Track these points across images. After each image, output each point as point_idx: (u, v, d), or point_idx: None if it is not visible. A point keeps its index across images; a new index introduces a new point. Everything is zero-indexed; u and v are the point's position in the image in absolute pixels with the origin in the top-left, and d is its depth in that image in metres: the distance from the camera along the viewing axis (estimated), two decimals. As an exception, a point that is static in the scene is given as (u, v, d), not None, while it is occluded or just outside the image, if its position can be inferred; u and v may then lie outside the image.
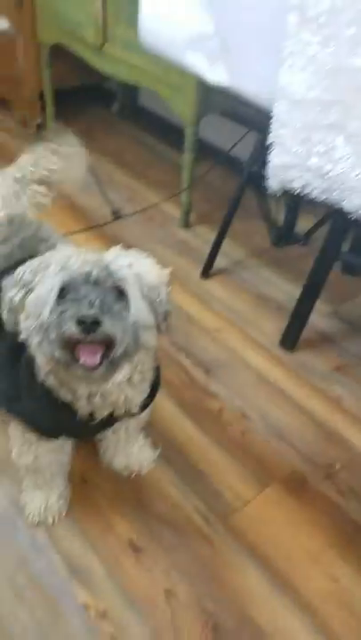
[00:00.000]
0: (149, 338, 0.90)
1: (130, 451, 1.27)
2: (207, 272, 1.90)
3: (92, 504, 1.23)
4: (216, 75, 1.19)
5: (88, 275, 0.83)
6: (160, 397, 1.44)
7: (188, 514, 1.23)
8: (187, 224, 2.11)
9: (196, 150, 1.94)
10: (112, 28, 1.97)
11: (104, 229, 2.03)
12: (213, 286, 1.87)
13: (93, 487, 1.26)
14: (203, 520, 1.22)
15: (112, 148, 2.58)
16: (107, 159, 2.48)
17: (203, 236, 2.06)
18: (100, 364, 0.83)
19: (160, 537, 1.18)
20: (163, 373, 1.51)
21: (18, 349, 0.95)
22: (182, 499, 1.25)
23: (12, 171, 1.32)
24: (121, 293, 0.85)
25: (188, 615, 1.07)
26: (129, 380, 0.95)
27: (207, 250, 1.90)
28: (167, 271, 0.93)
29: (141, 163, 2.49)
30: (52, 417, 0.99)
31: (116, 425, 1.18)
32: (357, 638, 1.05)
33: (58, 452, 1.12)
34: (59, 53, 2.35)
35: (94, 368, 0.83)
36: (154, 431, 1.37)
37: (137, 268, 0.88)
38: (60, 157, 1.34)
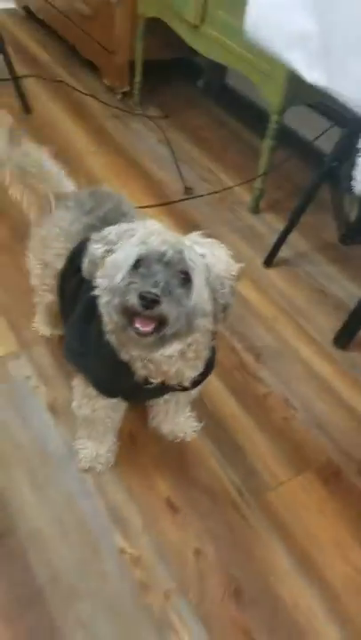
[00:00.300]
0: (204, 324, 0.96)
1: (177, 420, 1.36)
2: (270, 261, 1.94)
3: (138, 461, 1.32)
4: (315, 75, 1.22)
5: (162, 254, 0.89)
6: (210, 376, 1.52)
7: (224, 484, 1.31)
8: (256, 210, 2.14)
9: (278, 138, 1.96)
10: (212, 9, 2.00)
11: (174, 206, 2.09)
12: (275, 275, 1.92)
13: (140, 447, 1.35)
14: (237, 493, 1.30)
15: (193, 124, 2.61)
16: (186, 135, 2.52)
17: (270, 224, 2.10)
18: (152, 333, 0.90)
19: (196, 501, 1.27)
20: (216, 354, 1.59)
21: (93, 308, 1.03)
22: (220, 470, 1.33)
23: None
24: (187, 278, 0.91)
25: (214, 576, 1.16)
26: (182, 354, 1.01)
27: (273, 238, 1.93)
28: (239, 266, 0.98)
29: (220, 143, 2.52)
30: (112, 375, 1.07)
31: (168, 395, 1.27)
32: (369, 625, 1.12)
33: (113, 410, 1.21)
34: (153, 26, 2.38)
35: (145, 334, 0.90)
36: (201, 406, 1.45)
37: (210, 257, 0.93)
38: None
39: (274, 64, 1.80)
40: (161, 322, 0.90)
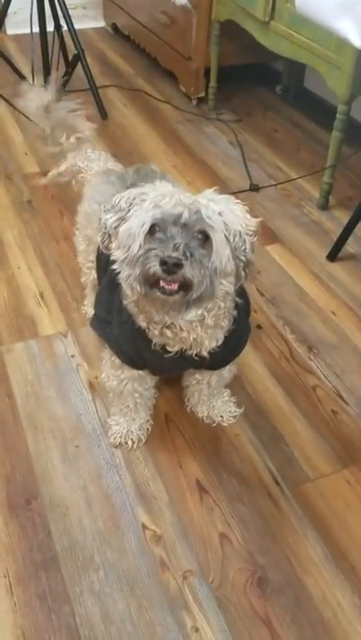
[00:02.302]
0: (226, 285, 0.92)
1: (213, 404, 1.32)
2: (335, 255, 1.86)
3: (171, 441, 1.29)
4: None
5: (178, 216, 0.86)
6: (254, 362, 1.48)
7: (259, 471, 1.24)
8: (325, 206, 2.07)
9: (345, 130, 1.89)
10: (281, 4, 1.98)
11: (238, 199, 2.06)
12: (338, 270, 1.83)
13: (174, 427, 1.32)
14: (272, 481, 1.23)
15: (267, 126, 2.59)
16: (259, 137, 2.50)
17: (338, 220, 2.01)
18: (177, 292, 0.87)
19: (227, 485, 1.21)
20: (263, 342, 1.54)
21: (117, 277, 1.02)
22: (257, 457, 1.27)
23: None
24: (207, 238, 0.88)
25: (238, 562, 1.09)
26: (201, 321, 0.98)
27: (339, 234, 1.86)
28: (256, 221, 0.94)
29: (293, 143, 2.48)
30: (132, 343, 1.06)
31: (199, 375, 1.23)
32: None
33: (140, 384, 1.19)
34: (228, 32, 2.41)
35: (171, 293, 0.87)
36: (242, 392, 1.40)
37: (227, 214, 0.90)
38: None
39: (342, 52, 1.75)
40: (186, 286, 0.87)
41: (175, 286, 0.87)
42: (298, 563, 1.10)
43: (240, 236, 0.91)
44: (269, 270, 1.80)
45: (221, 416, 1.32)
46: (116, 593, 1.04)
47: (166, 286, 0.87)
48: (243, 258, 0.92)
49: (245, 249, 0.92)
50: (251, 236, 0.92)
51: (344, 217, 2.01)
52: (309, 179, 2.18)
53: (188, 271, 0.86)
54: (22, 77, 2.60)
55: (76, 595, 1.04)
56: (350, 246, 1.89)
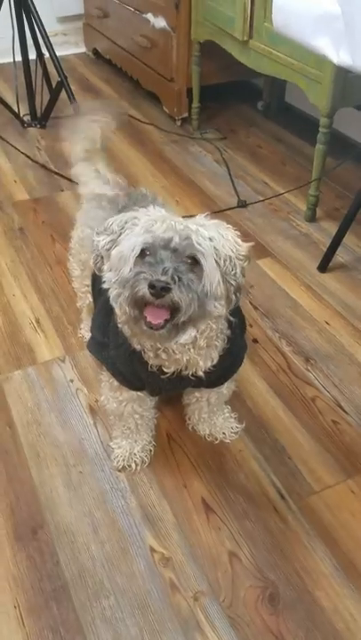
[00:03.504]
0: (217, 308, 0.94)
1: (214, 421, 1.32)
2: (325, 266, 1.88)
3: (174, 461, 1.29)
4: (341, 56, 1.19)
5: (169, 241, 0.88)
6: (253, 377, 1.49)
7: (264, 487, 1.24)
8: (312, 218, 2.09)
9: (328, 143, 1.92)
10: (258, 22, 2.03)
11: (227, 217, 2.08)
12: (329, 280, 1.85)
13: (177, 446, 1.32)
14: (278, 495, 1.23)
15: (251, 143, 2.63)
16: (243, 153, 2.54)
17: (327, 231, 2.03)
18: (163, 326, 0.89)
19: (233, 502, 1.21)
20: (260, 356, 1.54)
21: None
22: (261, 472, 1.27)
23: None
24: (196, 262, 0.89)
25: (248, 579, 1.09)
26: (194, 343, 0.98)
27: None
28: (247, 245, 0.95)
29: (277, 158, 2.51)
30: (129, 365, 1.06)
31: (198, 393, 1.24)
32: None
33: (140, 405, 1.19)
34: (208, 52, 2.45)
35: (157, 328, 0.89)
36: (243, 407, 1.40)
37: (217, 239, 0.91)
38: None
39: (321, 67, 1.78)
40: (174, 309, 0.89)
41: (162, 320, 0.88)
42: (308, 576, 1.10)
43: (230, 260, 0.92)
44: (262, 284, 1.82)
45: (223, 433, 1.32)
46: (128, 618, 1.03)
47: (153, 321, 0.88)
48: (233, 282, 0.93)
49: (236, 273, 0.93)
50: (241, 260, 0.93)
51: (332, 228, 2.03)
52: (296, 192, 2.21)
53: (177, 295, 0.87)
54: (6, 106, 2.63)
55: (88, 623, 1.03)
56: (340, 256, 1.91)
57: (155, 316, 0.89)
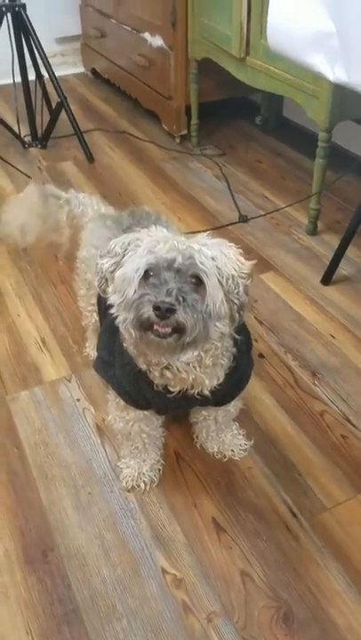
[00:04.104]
0: (221, 327, 0.94)
1: (222, 438, 1.31)
2: (328, 279, 1.88)
3: (183, 480, 1.28)
4: (337, 73, 1.21)
5: (172, 261, 0.88)
6: (260, 392, 1.48)
7: (274, 504, 1.23)
8: (314, 231, 2.10)
9: (328, 156, 1.93)
10: (255, 39, 2.05)
11: (228, 232, 2.09)
12: (333, 293, 1.85)
13: (186, 465, 1.31)
14: (289, 513, 1.22)
15: (250, 158, 2.65)
16: (243, 169, 2.55)
17: (329, 244, 2.04)
18: (171, 334, 0.88)
19: (244, 521, 1.20)
20: (267, 371, 1.54)
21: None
22: (271, 489, 1.26)
23: None
24: (200, 282, 0.89)
25: (261, 599, 1.08)
26: (200, 362, 0.98)
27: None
28: (250, 263, 0.95)
29: (277, 172, 2.53)
30: (135, 385, 1.06)
31: (206, 411, 1.23)
32: None
33: (147, 424, 1.19)
34: (205, 69, 2.47)
35: (165, 335, 0.88)
36: (251, 424, 1.40)
37: (220, 259, 0.91)
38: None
39: (318, 82, 1.80)
40: (179, 330, 0.89)
41: (168, 329, 0.88)
42: (321, 594, 1.09)
43: (233, 279, 0.92)
44: (266, 298, 1.82)
45: (232, 450, 1.32)
46: (141, 642, 1.02)
47: (160, 329, 0.88)
48: (236, 301, 0.93)
49: (239, 292, 0.93)
50: (244, 278, 0.93)
51: (334, 241, 2.04)
52: (297, 206, 2.22)
53: (181, 316, 0.87)
54: (7, 127, 2.65)
55: (101, 647, 1.02)
56: (343, 268, 1.92)
57: (161, 326, 0.88)
